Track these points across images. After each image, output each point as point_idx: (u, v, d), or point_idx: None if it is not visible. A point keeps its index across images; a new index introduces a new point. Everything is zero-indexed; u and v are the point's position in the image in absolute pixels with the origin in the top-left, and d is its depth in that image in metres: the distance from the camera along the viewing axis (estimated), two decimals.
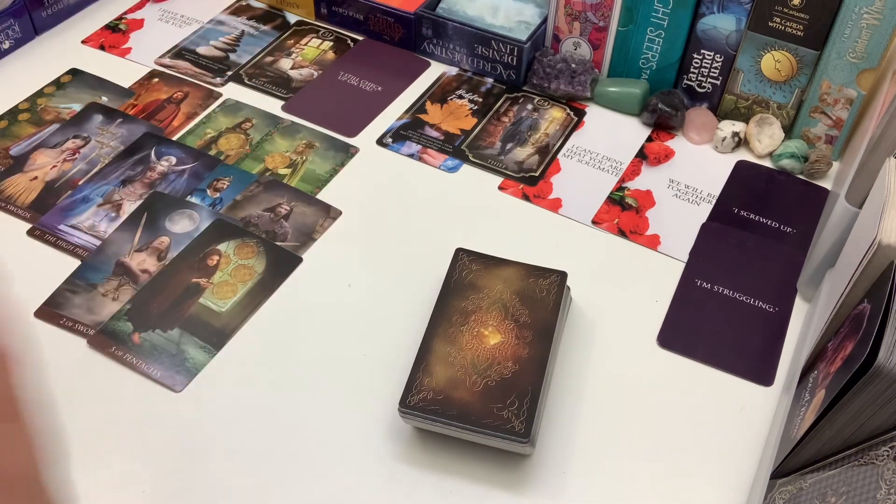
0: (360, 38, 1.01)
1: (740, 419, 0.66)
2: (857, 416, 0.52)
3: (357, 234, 0.79)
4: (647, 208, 0.82)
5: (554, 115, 0.91)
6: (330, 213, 0.81)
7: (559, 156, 0.87)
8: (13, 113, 0.89)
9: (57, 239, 0.77)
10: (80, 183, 0.82)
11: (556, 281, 0.68)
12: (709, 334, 0.72)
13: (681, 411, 0.67)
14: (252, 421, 0.65)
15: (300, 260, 0.77)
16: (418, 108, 0.92)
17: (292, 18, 1.03)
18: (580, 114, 0.92)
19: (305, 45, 1.00)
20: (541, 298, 0.67)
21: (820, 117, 0.85)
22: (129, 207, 0.80)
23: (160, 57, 0.97)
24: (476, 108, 0.92)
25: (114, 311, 0.72)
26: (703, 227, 0.80)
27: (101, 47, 0.98)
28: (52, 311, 0.72)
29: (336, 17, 1.01)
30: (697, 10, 0.84)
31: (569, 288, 0.70)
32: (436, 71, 0.96)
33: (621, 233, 0.80)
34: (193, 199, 0.81)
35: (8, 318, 0.38)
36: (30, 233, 0.78)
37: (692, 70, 0.89)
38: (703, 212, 0.82)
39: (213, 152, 0.86)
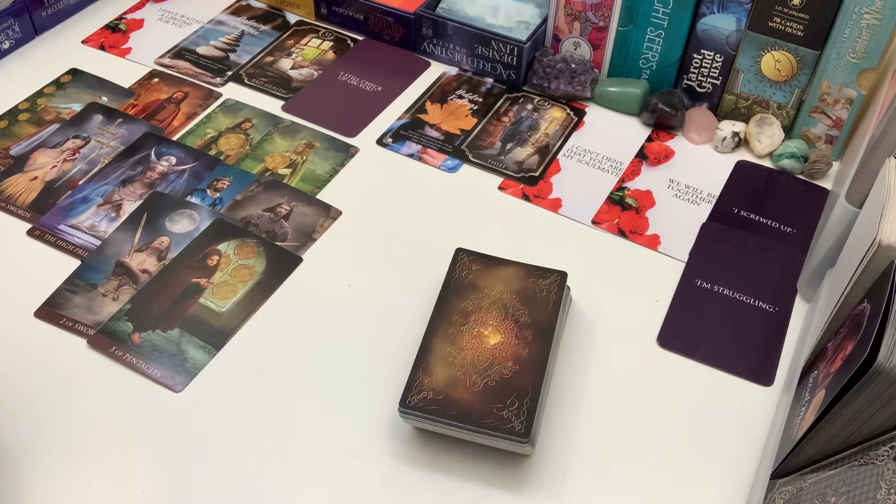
0: (360, 38, 1.01)
1: (740, 419, 0.66)
2: (857, 416, 0.52)
3: (357, 234, 0.79)
4: (647, 208, 0.82)
5: (554, 115, 0.91)
6: (330, 213, 0.81)
7: (559, 156, 0.87)
8: (13, 113, 0.89)
9: (57, 239, 0.77)
10: (80, 183, 0.82)
11: (556, 281, 0.68)
12: (709, 334, 0.72)
13: (681, 411, 0.67)
14: (252, 421, 0.65)
15: (300, 260, 0.77)
16: (418, 108, 0.92)
17: (292, 18, 1.03)
18: (580, 114, 0.92)
19: (305, 45, 1.00)
20: (541, 298, 0.67)
21: (820, 117, 0.85)
22: (129, 207, 0.80)
23: (160, 57, 0.97)
24: (476, 108, 0.92)
25: (114, 311, 0.72)
26: (703, 227, 0.80)
27: (101, 47, 0.98)
28: (52, 311, 0.72)
29: (336, 17, 1.01)
30: (697, 10, 0.84)
31: (569, 288, 0.70)
32: (436, 71, 0.96)
33: (621, 233, 0.80)
34: (193, 199, 0.81)
35: None
36: (30, 233, 0.78)
37: (692, 70, 0.89)
38: (703, 212, 0.82)
39: (213, 152, 0.86)
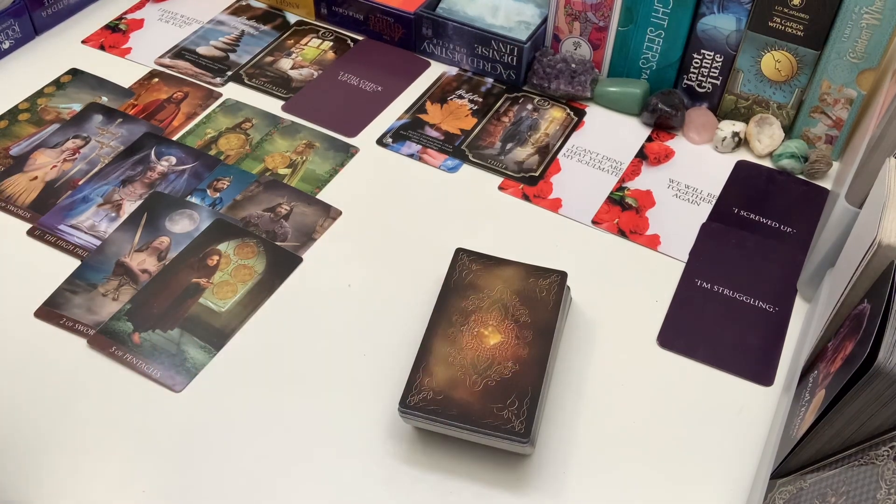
0: (360, 38, 1.01)
1: (740, 419, 0.66)
2: (857, 417, 0.52)
3: (357, 234, 0.79)
4: (647, 208, 0.82)
5: (554, 115, 0.91)
6: (330, 213, 0.81)
7: (559, 156, 0.87)
8: (13, 113, 0.89)
9: (57, 239, 0.77)
10: (80, 183, 0.82)
11: (556, 281, 0.68)
12: (709, 334, 0.72)
13: (681, 411, 0.67)
14: (252, 421, 0.65)
15: (300, 260, 0.77)
16: (418, 108, 0.92)
17: (292, 18, 1.03)
18: (580, 114, 0.92)
19: (305, 45, 1.00)
20: (541, 298, 0.67)
21: (820, 117, 0.85)
22: (129, 207, 0.80)
23: (160, 57, 0.97)
24: (476, 108, 0.92)
25: (114, 311, 0.72)
26: (703, 227, 0.80)
27: (101, 47, 0.98)
28: (52, 311, 0.72)
29: (336, 17, 1.01)
30: (697, 10, 0.84)
31: (569, 288, 0.70)
32: (436, 71, 0.96)
33: (621, 233, 0.80)
34: (193, 199, 0.81)
35: None
36: (30, 233, 0.78)
37: (692, 70, 0.89)
38: (703, 212, 0.82)
39: (213, 152, 0.86)
